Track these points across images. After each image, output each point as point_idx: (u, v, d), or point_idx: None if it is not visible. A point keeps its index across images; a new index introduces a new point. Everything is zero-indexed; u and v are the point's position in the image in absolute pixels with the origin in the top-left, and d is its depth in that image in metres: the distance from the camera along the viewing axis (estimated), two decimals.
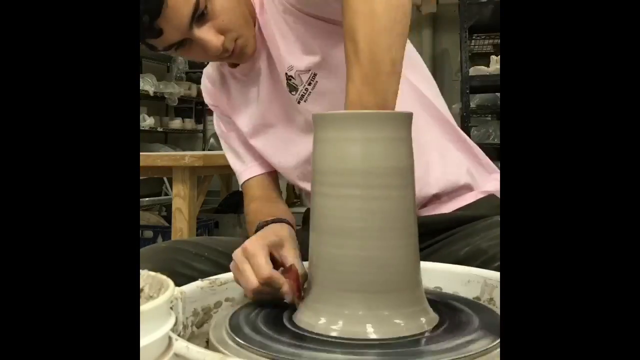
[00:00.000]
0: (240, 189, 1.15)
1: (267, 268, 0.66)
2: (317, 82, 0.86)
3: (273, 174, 1.04)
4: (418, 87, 0.93)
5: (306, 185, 0.95)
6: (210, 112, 1.14)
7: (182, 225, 1.80)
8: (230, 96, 1.02)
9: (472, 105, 3.35)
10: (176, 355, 0.44)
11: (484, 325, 0.56)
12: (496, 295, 0.68)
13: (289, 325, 0.58)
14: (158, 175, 3.68)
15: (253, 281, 0.65)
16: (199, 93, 5.42)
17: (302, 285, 0.65)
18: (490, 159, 1.00)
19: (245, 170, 1.03)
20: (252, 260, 0.67)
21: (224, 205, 3.11)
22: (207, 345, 0.59)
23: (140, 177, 2.08)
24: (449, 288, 0.73)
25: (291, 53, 0.86)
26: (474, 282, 0.71)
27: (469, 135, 1.38)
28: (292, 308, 0.62)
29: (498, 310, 0.61)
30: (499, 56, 3.15)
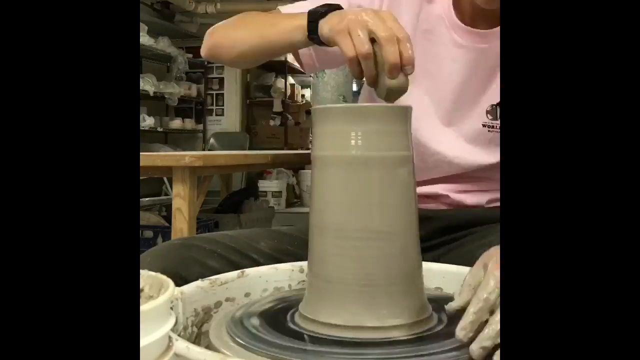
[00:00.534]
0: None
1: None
2: None
3: None
4: None
5: None
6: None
7: (182, 225, 1.80)
8: None
9: None
10: (176, 355, 0.44)
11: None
12: None
13: (289, 325, 0.58)
14: (158, 175, 3.69)
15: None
16: (199, 93, 5.47)
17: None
18: None
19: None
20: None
21: (224, 205, 3.11)
22: (208, 345, 0.59)
23: (140, 177, 2.08)
24: (449, 288, 0.73)
25: None
26: None
27: None
28: (293, 308, 0.62)
29: None
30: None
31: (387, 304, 0.56)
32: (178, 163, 1.81)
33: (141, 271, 0.44)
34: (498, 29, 0.87)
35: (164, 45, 4.82)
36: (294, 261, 0.77)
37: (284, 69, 5.44)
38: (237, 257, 0.82)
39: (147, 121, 4.64)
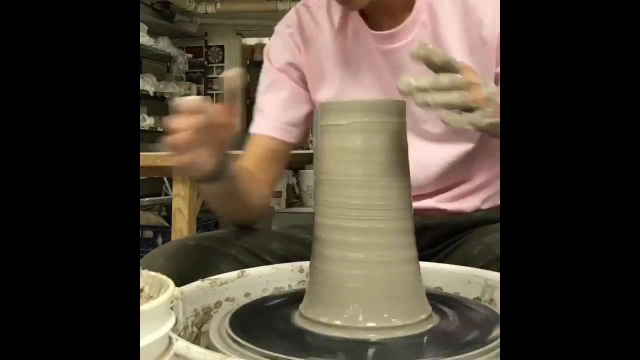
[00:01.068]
0: None
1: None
2: None
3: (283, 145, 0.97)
4: None
5: None
6: None
7: (182, 225, 1.80)
8: None
9: None
10: (176, 355, 0.44)
11: (484, 325, 0.56)
12: (497, 295, 0.68)
13: (289, 325, 0.58)
14: (158, 175, 3.68)
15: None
16: (199, 93, 5.45)
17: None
18: None
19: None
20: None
21: None
22: (208, 345, 0.59)
23: (140, 177, 2.08)
24: (449, 288, 0.73)
25: None
26: (474, 282, 0.71)
27: None
28: (293, 308, 0.62)
29: (498, 311, 0.61)
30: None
31: (387, 306, 0.55)
32: None
33: (141, 271, 0.44)
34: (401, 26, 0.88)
35: (164, 45, 4.82)
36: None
37: None
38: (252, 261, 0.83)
39: (147, 121, 4.63)
